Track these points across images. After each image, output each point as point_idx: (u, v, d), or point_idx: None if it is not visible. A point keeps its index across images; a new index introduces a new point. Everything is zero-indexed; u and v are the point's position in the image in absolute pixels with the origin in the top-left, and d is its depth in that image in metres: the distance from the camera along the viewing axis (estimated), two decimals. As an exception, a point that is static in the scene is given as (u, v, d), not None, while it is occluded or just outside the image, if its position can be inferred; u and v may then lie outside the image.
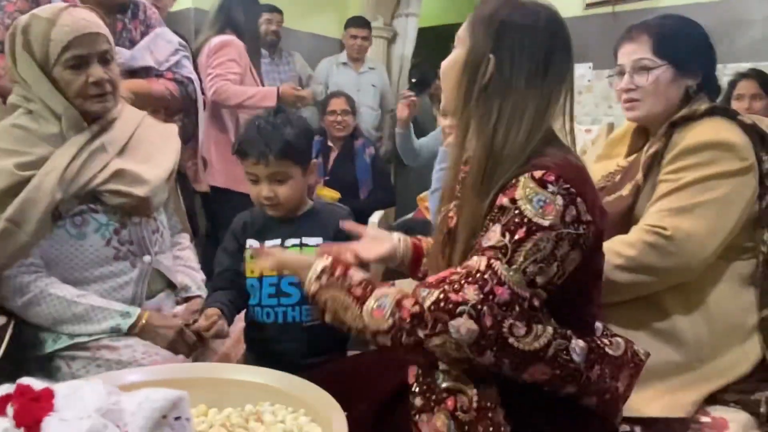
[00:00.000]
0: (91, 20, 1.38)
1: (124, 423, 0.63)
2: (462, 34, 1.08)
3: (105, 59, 1.39)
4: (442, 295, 0.92)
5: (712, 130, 1.34)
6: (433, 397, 0.99)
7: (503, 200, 0.97)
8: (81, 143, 1.38)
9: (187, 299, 1.56)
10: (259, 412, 0.86)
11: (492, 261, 0.92)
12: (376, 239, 1.31)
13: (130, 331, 1.37)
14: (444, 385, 0.98)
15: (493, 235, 0.95)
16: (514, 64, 1.02)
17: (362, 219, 3.12)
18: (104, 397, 0.67)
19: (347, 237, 1.55)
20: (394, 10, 5.26)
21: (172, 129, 1.64)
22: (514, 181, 0.98)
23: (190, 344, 1.40)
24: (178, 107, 2.04)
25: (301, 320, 1.52)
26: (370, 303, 0.96)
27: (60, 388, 0.69)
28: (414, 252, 1.30)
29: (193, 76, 2.07)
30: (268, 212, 1.54)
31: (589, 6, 3.94)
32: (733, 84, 2.85)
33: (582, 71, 4.00)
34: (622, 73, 1.46)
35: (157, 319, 1.41)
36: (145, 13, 2.02)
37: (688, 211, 1.28)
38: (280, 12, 3.81)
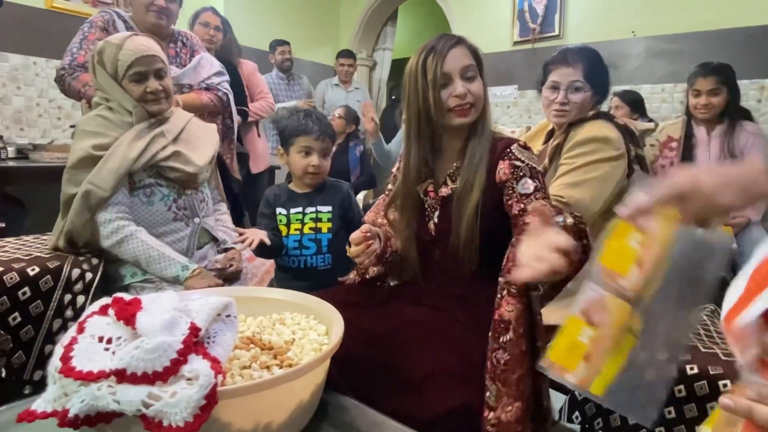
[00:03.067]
0: (149, 45, 1.36)
1: (192, 317, 0.66)
2: (474, 70, 1.06)
3: (159, 74, 1.38)
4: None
5: (595, 128, 1.37)
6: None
7: (509, 164, 1.03)
8: (145, 128, 1.39)
9: (225, 250, 1.58)
10: (282, 318, 0.87)
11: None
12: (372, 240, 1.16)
13: (185, 282, 1.36)
14: None
15: (529, 184, 1.01)
16: None
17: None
18: (177, 300, 0.69)
19: (349, 205, 1.56)
20: (374, 45, 5.25)
21: (212, 127, 1.64)
22: (507, 152, 1.04)
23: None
24: (219, 112, 2.04)
25: (315, 266, 1.54)
26: None
27: (144, 297, 0.72)
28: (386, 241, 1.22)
29: (230, 91, 2.05)
30: (306, 182, 1.54)
31: (515, 43, 3.99)
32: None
33: (510, 91, 4.05)
34: (555, 88, 1.43)
35: (197, 282, 1.35)
36: (190, 41, 2.01)
37: (578, 185, 1.30)
38: (288, 44, 3.78)
